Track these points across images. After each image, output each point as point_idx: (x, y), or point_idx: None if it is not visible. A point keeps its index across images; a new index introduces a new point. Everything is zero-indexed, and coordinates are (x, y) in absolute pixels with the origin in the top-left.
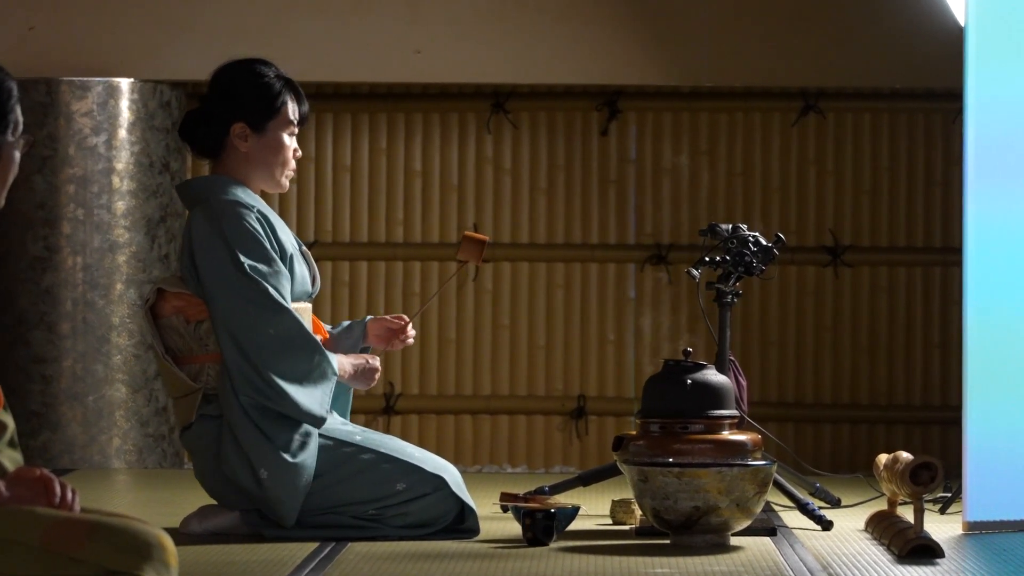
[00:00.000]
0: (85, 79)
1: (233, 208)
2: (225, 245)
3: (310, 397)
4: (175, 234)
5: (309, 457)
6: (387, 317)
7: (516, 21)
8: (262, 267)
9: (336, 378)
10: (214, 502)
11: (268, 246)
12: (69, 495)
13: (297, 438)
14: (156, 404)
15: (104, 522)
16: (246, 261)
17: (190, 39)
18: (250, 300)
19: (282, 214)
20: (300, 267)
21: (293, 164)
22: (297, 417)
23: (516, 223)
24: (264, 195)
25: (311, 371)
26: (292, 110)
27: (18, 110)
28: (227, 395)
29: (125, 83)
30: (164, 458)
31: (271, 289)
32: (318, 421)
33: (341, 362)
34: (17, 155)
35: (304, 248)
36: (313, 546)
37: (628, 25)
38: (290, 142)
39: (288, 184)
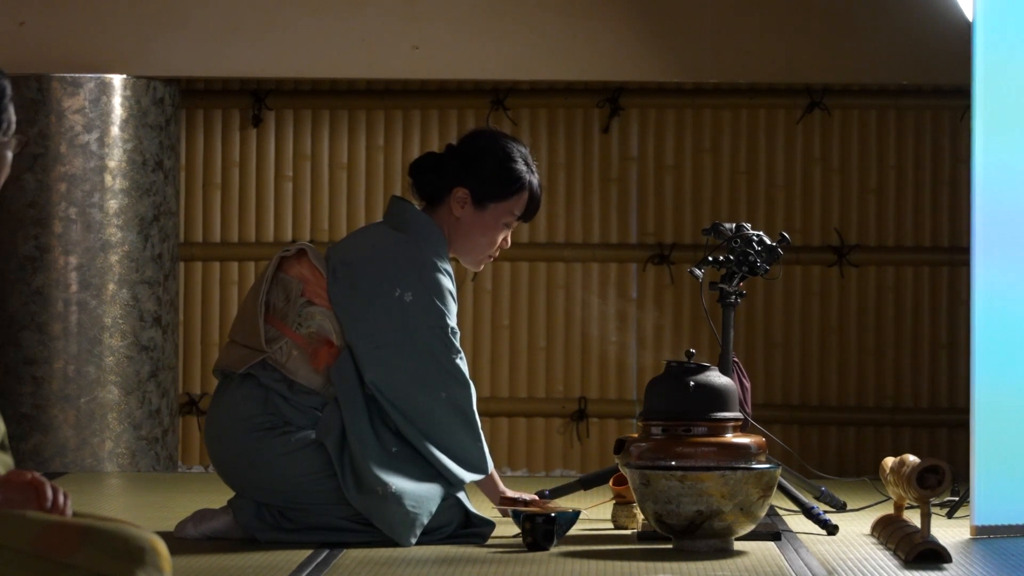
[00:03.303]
0: (77, 75)
1: (442, 269)
2: (429, 299)
3: (464, 462)
4: (168, 233)
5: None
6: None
7: (516, 16)
8: (458, 334)
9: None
10: (207, 507)
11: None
12: (61, 499)
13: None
14: (149, 406)
15: (96, 527)
16: (450, 324)
17: (183, 35)
18: (450, 361)
19: (279, 212)
20: None
21: (496, 252)
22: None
23: None
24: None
25: (473, 449)
26: (521, 204)
27: (11, 109)
28: (352, 399)
29: (117, 79)
30: (157, 461)
31: (462, 360)
32: (460, 483)
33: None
34: (10, 155)
35: None
36: (309, 551)
37: (630, 21)
38: (500, 234)
39: (483, 268)
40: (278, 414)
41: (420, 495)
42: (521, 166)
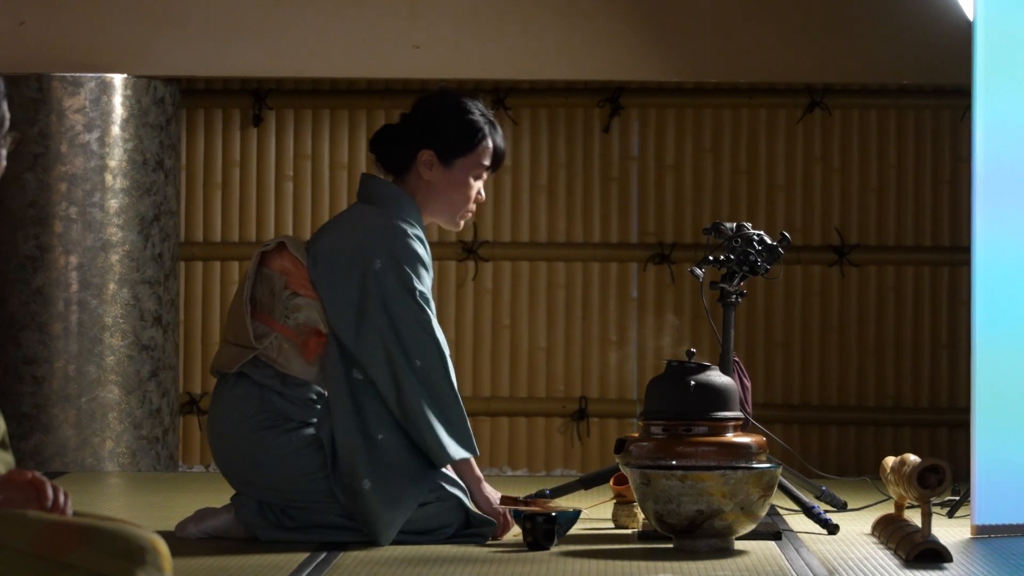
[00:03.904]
0: (77, 75)
1: (411, 235)
2: (400, 270)
3: (448, 434)
4: (169, 233)
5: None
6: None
7: (516, 16)
8: (428, 296)
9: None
10: (206, 505)
11: (429, 278)
12: (61, 498)
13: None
14: (150, 406)
15: (97, 526)
16: (419, 288)
17: (184, 34)
18: (420, 324)
19: (279, 212)
20: None
21: (473, 207)
22: (428, 445)
23: (516, 221)
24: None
25: (455, 414)
26: (487, 153)
27: (4, 106)
28: (338, 386)
29: (118, 79)
30: (158, 461)
31: (434, 321)
32: (446, 458)
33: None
34: (4, 152)
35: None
36: (309, 551)
37: (630, 20)
38: (475, 184)
39: (463, 224)
40: (274, 410)
41: (399, 495)
42: (479, 117)
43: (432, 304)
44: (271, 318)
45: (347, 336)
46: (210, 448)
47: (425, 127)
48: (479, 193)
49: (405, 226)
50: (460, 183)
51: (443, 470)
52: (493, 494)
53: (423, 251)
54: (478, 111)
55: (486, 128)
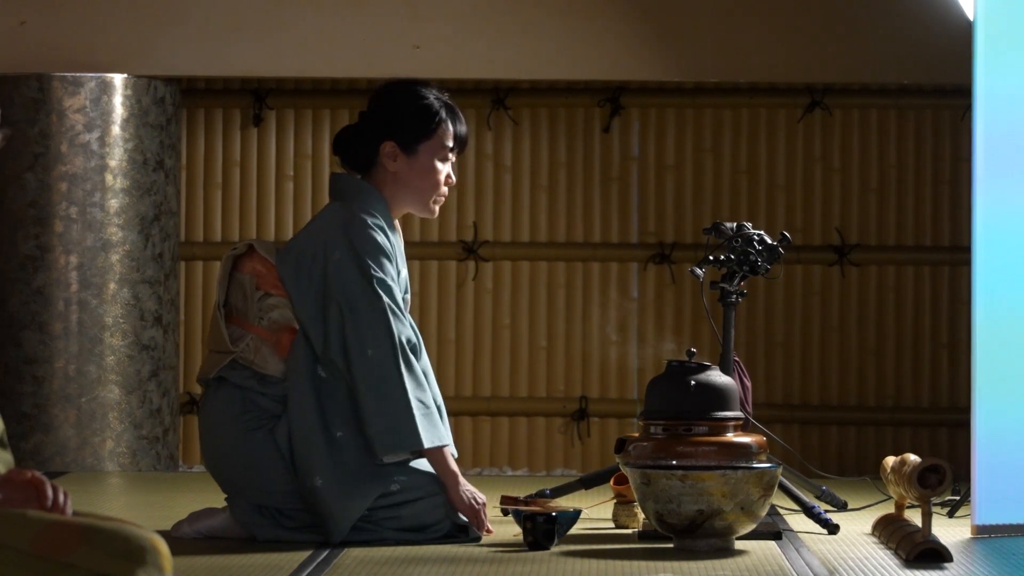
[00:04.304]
0: (77, 75)
1: (371, 224)
2: (357, 256)
3: (385, 427)
4: (169, 232)
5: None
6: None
7: (517, 16)
8: (389, 284)
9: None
10: (206, 505)
11: (396, 278)
12: (61, 498)
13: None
14: (150, 406)
15: (96, 526)
16: (377, 275)
17: (184, 34)
18: (375, 312)
19: (280, 212)
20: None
21: (444, 190)
22: (368, 435)
23: (517, 221)
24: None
25: (397, 406)
26: (448, 135)
27: None
28: (300, 383)
29: (118, 79)
30: (158, 461)
31: (394, 307)
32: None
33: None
34: None
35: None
36: (309, 551)
37: (631, 20)
38: (442, 167)
39: (437, 210)
40: (258, 409)
41: (350, 492)
42: (433, 100)
43: (396, 292)
44: (245, 320)
45: (312, 330)
46: (203, 457)
47: (383, 119)
48: (448, 176)
49: (366, 217)
50: (426, 169)
51: (417, 463)
52: (467, 492)
53: (383, 240)
54: (432, 96)
55: (443, 111)
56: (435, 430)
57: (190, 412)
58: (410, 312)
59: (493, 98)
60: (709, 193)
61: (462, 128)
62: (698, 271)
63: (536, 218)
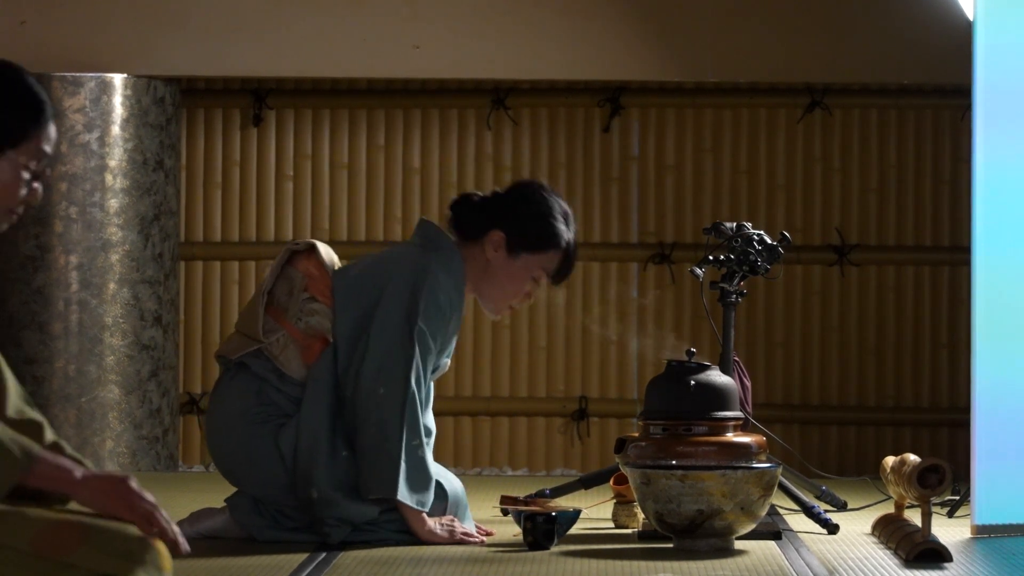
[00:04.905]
0: (77, 75)
1: (442, 285)
2: (413, 302)
3: (368, 471)
4: (169, 232)
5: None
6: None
7: (517, 16)
8: (429, 347)
9: (428, 492)
10: (206, 505)
11: (438, 340)
12: (171, 530)
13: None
14: (150, 406)
15: (96, 525)
16: (420, 324)
17: (184, 34)
18: (403, 355)
19: (279, 212)
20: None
21: (518, 304)
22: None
23: None
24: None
25: (383, 456)
26: (554, 263)
27: (53, 130)
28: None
29: (118, 79)
30: (158, 460)
31: (418, 363)
32: (388, 492)
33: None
34: (40, 187)
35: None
36: (309, 551)
37: (631, 20)
38: (528, 286)
39: (500, 318)
40: (272, 403)
41: (345, 510)
42: (561, 224)
43: (431, 349)
44: (283, 316)
45: (342, 350)
46: (207, 444)
47: (509, 210)
48: (529, 293)
49: (441, 274)
50: (518, 276)
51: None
52: (436, 524)
53: (445, 302)
54: (562, 217)
55: (564, 243)
56: (416, 494)
57: (190, 412)
58: None
59: (493, 98)
60: (709, 193)
61: (569, 266)
62: (698, 271)
63: None
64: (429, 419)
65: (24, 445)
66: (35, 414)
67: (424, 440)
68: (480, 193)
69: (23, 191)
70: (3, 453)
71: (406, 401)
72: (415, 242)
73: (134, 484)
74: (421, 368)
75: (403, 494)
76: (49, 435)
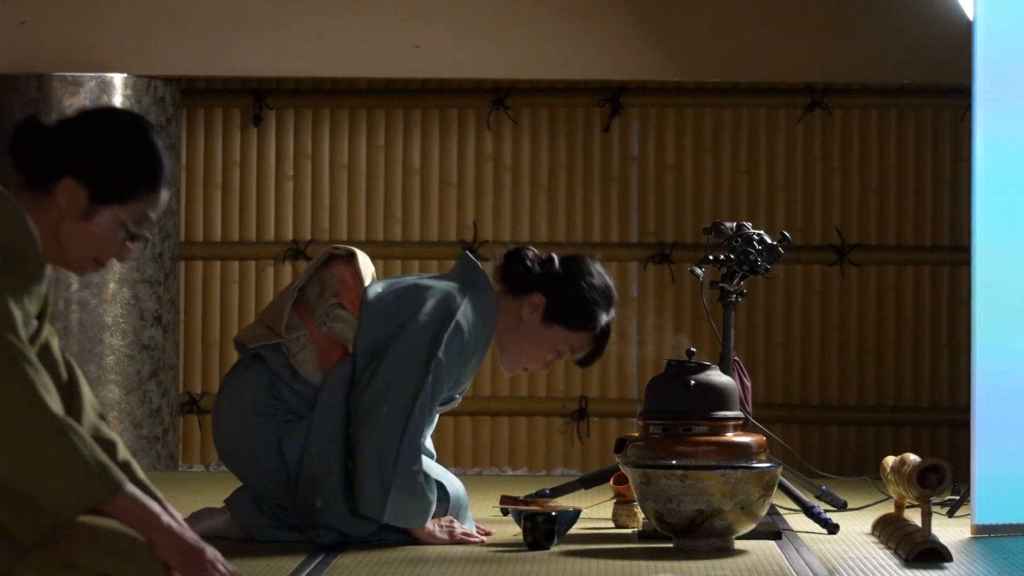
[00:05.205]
0: (77, 74)
1: (471, 324)
2: (437, 331)
3: (360, 488)
4: (169, 232)
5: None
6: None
7: (517, 16)
8: (443, 379)
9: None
10: (206, 505)
11: (454, 375)
12: None
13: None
14: (150, 405)
15: (101, 527)
16: (440, 355)
17: (184, 34)
18: (415, 380)
19: (279, 212)
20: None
21: (535, 368)
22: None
23: (517, 221)
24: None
25: (373, 477)
26: (582, 344)
27: (165, 196)
28: (333, 404)
29: (118, 78)
30: (158, 460)
31: (428, 391)
32: (375, 512)
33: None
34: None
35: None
36: (308, 551)
37: (631, 20)
38: (550, 356)
39: (511, 375)
40: (281, 399)
41: (346, 521)
42: (601, 312)
43: (443, 381)
44: (310, 317)
45: (359, 363)
46: (212, 430)
47: (556, 280)
48: (548, 364)
49: (472, 313)
50: (545, 344)
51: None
52: (436, 527)
53: (469, 339)
54: (604, 303)
55: (599, 323)
56: (410, 520)
57: (190, 412)
58: None
59: (493, 98)
60: (709, 193)
61: (598, 352)
62: (698, 271)
63: (536, 218)
64: (428, 443)
65: (113, 476)
66: (109, 432)
67: (422, 467)
68: (536, 251)
69: (115, 248)
70: (91, 476)
71: (407, 425)
72: (454, 276)
73: (210, 555)
74: (429, 397)
75: (391, 518)
76: (121, 454)
